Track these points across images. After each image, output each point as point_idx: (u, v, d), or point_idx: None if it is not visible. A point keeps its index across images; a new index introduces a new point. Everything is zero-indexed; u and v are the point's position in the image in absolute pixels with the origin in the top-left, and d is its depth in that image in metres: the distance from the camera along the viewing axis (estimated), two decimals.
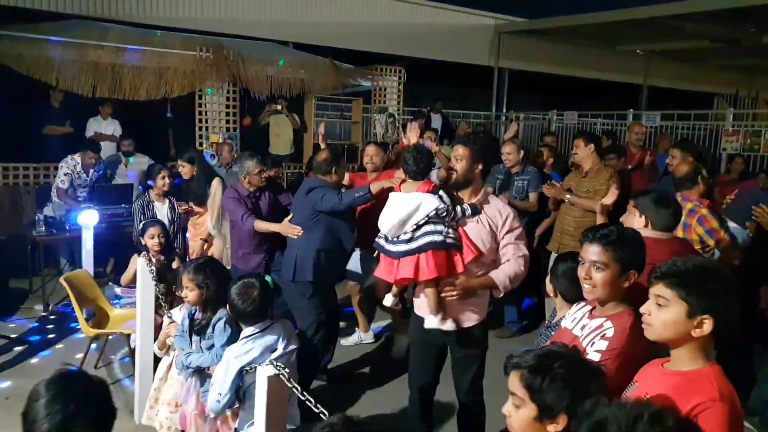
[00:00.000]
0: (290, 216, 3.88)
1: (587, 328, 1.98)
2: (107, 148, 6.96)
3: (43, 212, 5.77)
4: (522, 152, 4.85)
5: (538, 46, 13.83)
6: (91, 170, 5.98)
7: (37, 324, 4.98)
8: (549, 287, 2.53)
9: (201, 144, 7.39)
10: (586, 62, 14.72)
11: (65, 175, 5.83)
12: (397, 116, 9.32)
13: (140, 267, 3.32)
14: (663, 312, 1.55)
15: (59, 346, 4.61)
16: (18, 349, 4.48)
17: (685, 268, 1.55)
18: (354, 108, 9.69)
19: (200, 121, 7.44)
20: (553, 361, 1.49)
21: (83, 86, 6.36)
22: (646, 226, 2.68)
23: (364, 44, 11.30)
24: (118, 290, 5.06)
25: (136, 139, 6.70)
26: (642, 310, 1.63)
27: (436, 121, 9.99)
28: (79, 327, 4.28)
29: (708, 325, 1.50)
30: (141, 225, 3.97)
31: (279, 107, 7.86)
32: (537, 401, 1.46)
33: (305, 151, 8.59)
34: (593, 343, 1.90)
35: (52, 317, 5.19)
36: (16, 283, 5.69)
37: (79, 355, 4.22)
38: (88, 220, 4.99)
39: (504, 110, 13.48)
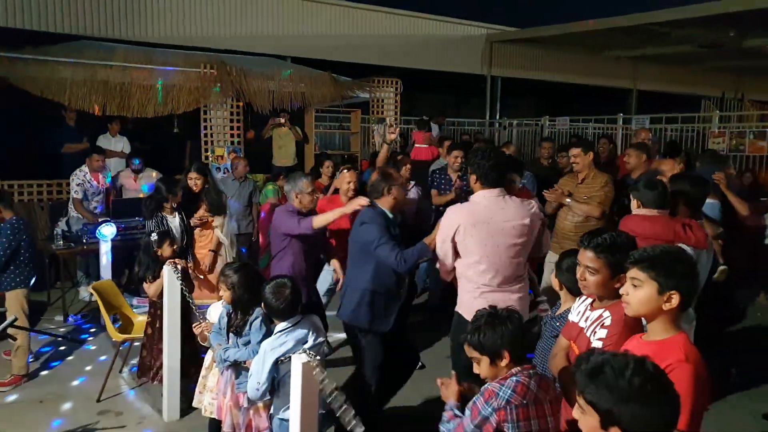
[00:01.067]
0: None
1: (589, 320, 2.24)
2: (117, 165, 7.19)
3: (59, 227, 5.96)
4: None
5: (529, 54, 14.19)
6: (101, 176, 6.15)
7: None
8: (555, 281, 2.78)
9: (207, 157, 7.63)
10: (576, 68, 15.08)
11: (78, 185, 6.01)
12: (395, 126, 9.59)
13: (167, 274, 3.55)
14: (638, 291, 1.82)
15: (86, 349, 4.85)
16: (45, 354, 4.71)
17: (654, 254, 1.83)
18: (353, 119, 9.98)
19: (205, 135, 7.69)
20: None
21: (93, 105, 6.60)
22: (638, 206, 3.25)
23: (360, 57, 11.61)
24: (134, 300, 5.30)
25: (144, 153, 6.93)
26: (621, 291, 1.90)
27: (434, 132, 10.26)
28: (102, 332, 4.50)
29: (675, 300, 1.78)
30: (155, 237, 3.92)
31: (282, 120, 8.11)
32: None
33: (306, 162, 8.84)
34: (595, 332, 2.15)
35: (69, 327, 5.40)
36: (35, 296, 5.85)
37: (103, 358, 4.47)
38: (107, 232, 5.21)
39: (498, 117, 13.79)
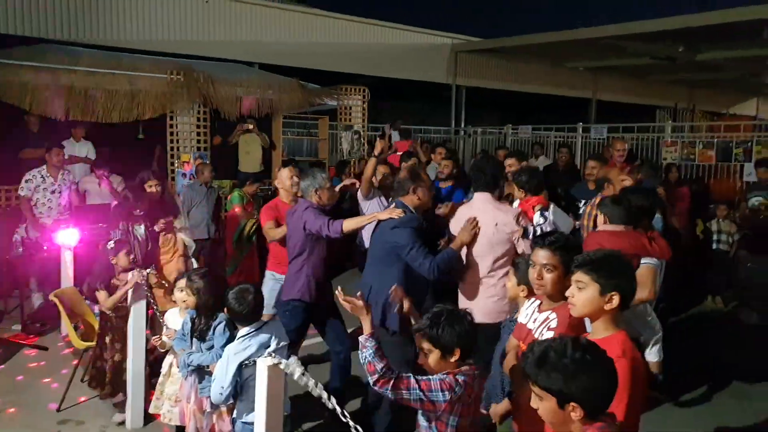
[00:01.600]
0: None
1: (537, 321, 2.40)
2: (81, 171, 7.11)
3: (18, 233, 5.87)
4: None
5: (493, 64, 14.55)
6: (60, 174, 5.93)
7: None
8: (512, 282, 2.77)
9: (173, 163, 7.61)
10: (539, 79, 15.54)
11: (26, 182, 5.76)
12: (362, 133, 9.72)
13: (132, 282, 3.57)
14: (582, 293, 1.99)
15: (42, 362, 4.78)
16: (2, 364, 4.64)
17: (596, 258, 2.02)
18: (320, 126, 10.07)
19: (172, 141, 7.67)
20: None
21: (57, 110, 6.52)
22: (605, 222, 3.39)
23: (328, 64, 11.73)
24: (95, 308, 5.26)
25: (109, 160, 6.88)
26: (567, 293, 2.06)
27: (395, 138, 10.43)
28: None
29: (616, 300, 1.96)
30: (111, 245, 3.78)
31: (251, 126, 8.15)
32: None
33: (273, 169, 8.88)
34: (542, 334, 2.32)
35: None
36: None
37: (66, 371, 4.44)
38: (69, 239, 5.15)
39: (462, 125, 14.08)
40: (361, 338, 2.24)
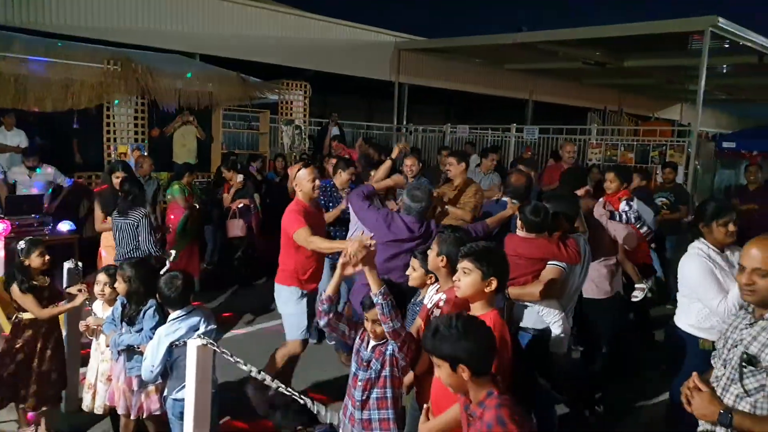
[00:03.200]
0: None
1: (432, 302, 2.79)
2: (11, 160, 6.98)
3: None
4: (420, 164, 5.70)
5: (435, 64, 14.95)
6: None
7: None
8: (419, 272, 2.95)
9: (110, 154, 7.57)
10: (480, 79, 16.08)
11: None
12: (303, 128, 9.90)
13: (68, 272, 3.67)
14: (467, 277, 2.36)
15: None
16: None
17: (479, 249, 2.39)
18: (261, 119, 10.17)
19: (108, 132, 7.62)
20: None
21: None
22: (521, 228, 3.59)
23: (269, 57, 11.78)
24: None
25: (42, 149, 6.79)
26: (453, 278, 2.43)
27: (334, 132, 10.65)
28: None
29: (494, 284, 2.36)
30: (22, 246, 3.48)
31: (192, 118, 8.21)
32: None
33: (213, 161, 8.93)
34: (433, 312, 2.71)
35: None
36: None
37: None
38: None
39: (405, 122, 14.44)
40: (374, 293, 2.36)
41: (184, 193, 6.55)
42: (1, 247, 5.21)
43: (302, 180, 3.86)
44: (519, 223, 3.67)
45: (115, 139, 7.62)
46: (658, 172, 9.30)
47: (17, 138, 7.08)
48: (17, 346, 3.39)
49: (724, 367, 2.14)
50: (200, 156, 8.58)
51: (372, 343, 2.57)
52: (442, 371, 1.95)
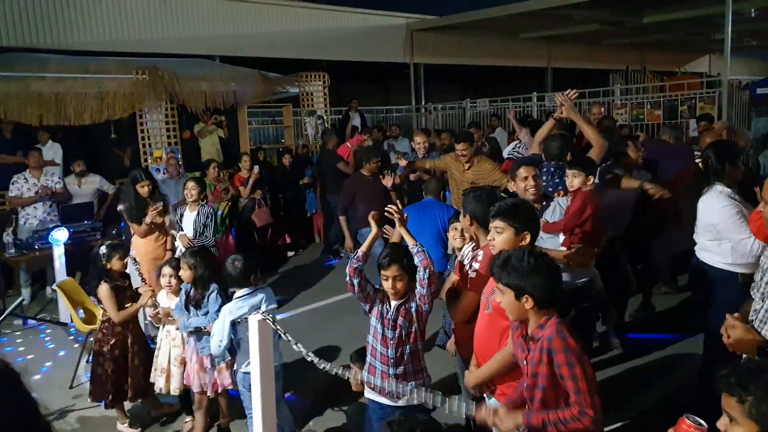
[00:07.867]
0: None
1: (468, 258, 2.91)
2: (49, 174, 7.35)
3: (6, 236, 6.11)
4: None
5: (449, 41, 14.94)
6: (42, 174, 6.37)
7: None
8: (464, 223, 2.96)
9: (146, 160, 7.90)
10: (495, 52, 15.99)
11: (12, 184, 6.31)
12: (325, 117, 10.10)
13: (131, 269, 3.97)
14: (501, 236, 2.49)
15: (46, 345, 5.16)
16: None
17: (508, 206, 2.52)
18: (285, 113, 10.42)
19: (143, 138, 7.95)
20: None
21: (30, 116, 6.75)
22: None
23: (287, 52, 12.00)
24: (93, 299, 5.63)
25: (84, 159, 7.14)
26: (488, 238, 2.58)
27: (356, 120, 10.85)
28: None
29: (528, 239, 2.48)
30: (104, 250, 3.68)
31: (223, 119, 8.55)
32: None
33: (242, 158, 9.19)
34: (471, 265, 2.81)
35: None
36: None
37: (62, 352, 4.93)
38: (59, 237, 5.52)
39: (423, 102, 14.51)
40: (413, 247, 2.65)
41: (212, 188, 6.86)
42: (62, 254, 5.58)
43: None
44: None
45: (149, 144, 7.95)
46: (691, 127, 9.20)
47: (50, 152, 7.43)
48: (112, 342, 3.63)
49: (763, 300, 2.23)
50: (225, 153, 8.87)
51: (394, 303, 2.71)
52: (504, 297, 2.08)
